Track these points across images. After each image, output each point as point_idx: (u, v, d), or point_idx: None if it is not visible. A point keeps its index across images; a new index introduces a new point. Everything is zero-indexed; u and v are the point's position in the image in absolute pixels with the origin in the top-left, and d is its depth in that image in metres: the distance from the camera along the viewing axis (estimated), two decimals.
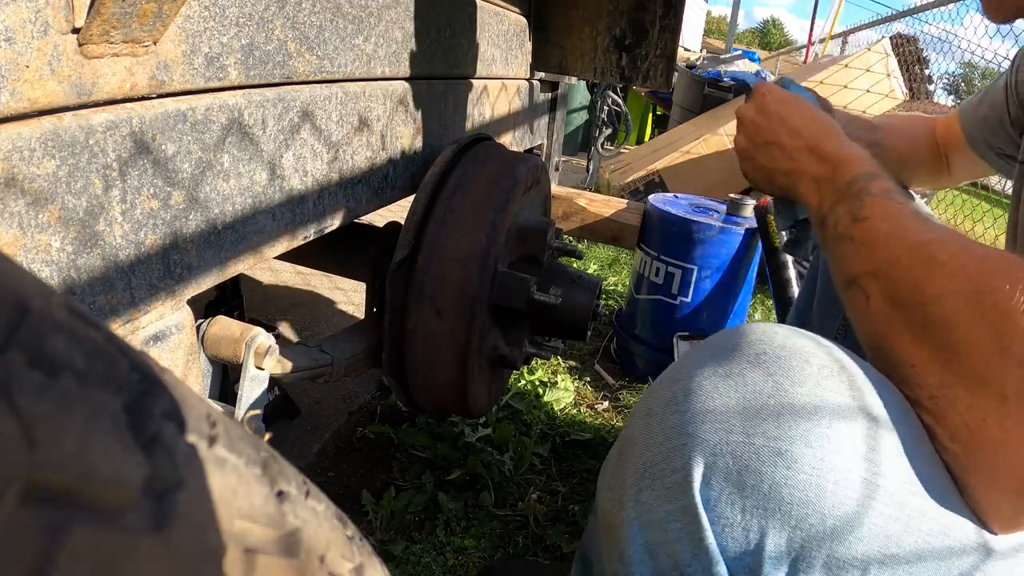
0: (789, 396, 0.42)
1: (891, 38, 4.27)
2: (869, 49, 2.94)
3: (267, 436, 0.66)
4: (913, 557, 0.42)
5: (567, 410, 1.36)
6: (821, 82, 2.86)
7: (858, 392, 0.44)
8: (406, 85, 0.81)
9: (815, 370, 0.44)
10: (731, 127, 2.84)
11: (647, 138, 4.85)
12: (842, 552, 0.41)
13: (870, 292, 0.49)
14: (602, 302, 1.02)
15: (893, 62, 2.89)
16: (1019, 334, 0.39)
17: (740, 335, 0.48)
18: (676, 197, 1.58)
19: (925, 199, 2.54)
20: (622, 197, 2.40)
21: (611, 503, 0.50)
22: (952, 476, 0.43)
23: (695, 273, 1.41)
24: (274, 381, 0.71)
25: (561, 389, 1.39)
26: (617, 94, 3.52)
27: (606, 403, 1.41)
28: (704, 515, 0.43)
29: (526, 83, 1.29)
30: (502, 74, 1.15)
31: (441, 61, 0.91)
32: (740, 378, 0.44)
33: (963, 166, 0.94)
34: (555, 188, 1.53)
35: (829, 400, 0.42)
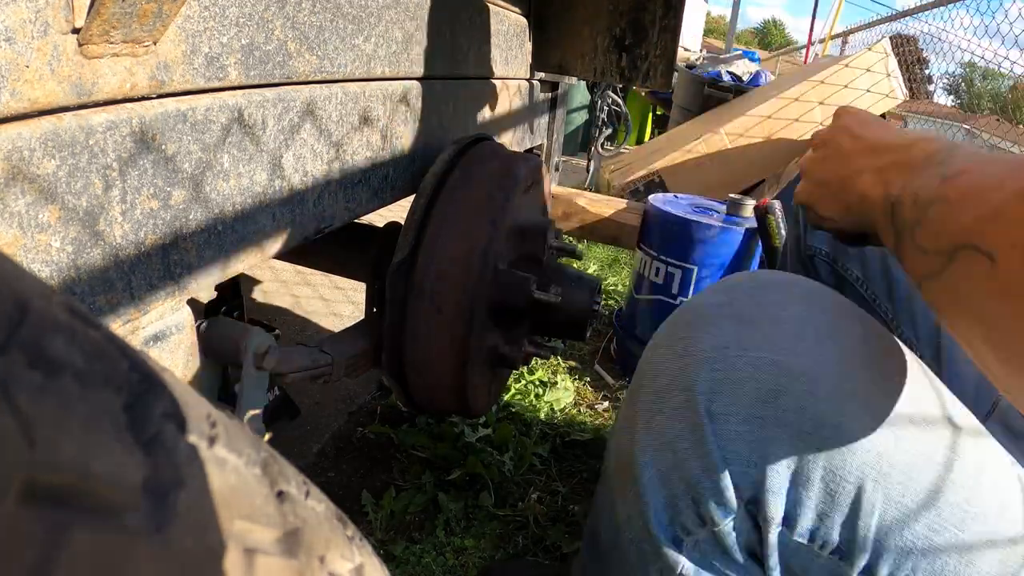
0: (776, 315, 0.46)
1: (891, 38, 4.28)
2: (870, 49, 2.94)
3: (267, 436, 0.66)
4: (906, 468, 0.44)
5: (567, 410, 1.36)
6: (822, 81, 2.86)
7: (840, 311, 0.48)
8: (406, 85, 0.81)
9: (798, 293, 0.48)
10: (731, 127, 2.84)
11: (647, 138, 4.85)
12: (837, 463, 0.44)
13: (993, 245, 0.35)
14: (602, 302, 1.02)
15: (893, 62, 2.89)
16: None
17: (729, 279, 0.52)
18: (676, 197, 1.58)
19: None
20: (622, 197, 2.40)
21: (624, 437, 0.53)
22: None
23: (695, 273, 1.41)
24: (274, 381, 0.70)
25: (561, 389, 1.39)
26: (617, 94, 3.52)
27: (606, 403, 1.41)
28: (709, 428, 0.46)
29: (526, 83, 1.29)
30: (502, 74, 1.15)
31: (441, 61, 0.91)
32: (731, 307, 0.48)
33: None
34: (555, 188, 1.53)
35: (815, 317, 0.46)
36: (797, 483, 0.45)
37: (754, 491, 0.46)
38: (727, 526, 0.48)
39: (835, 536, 0.46)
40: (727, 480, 0.46)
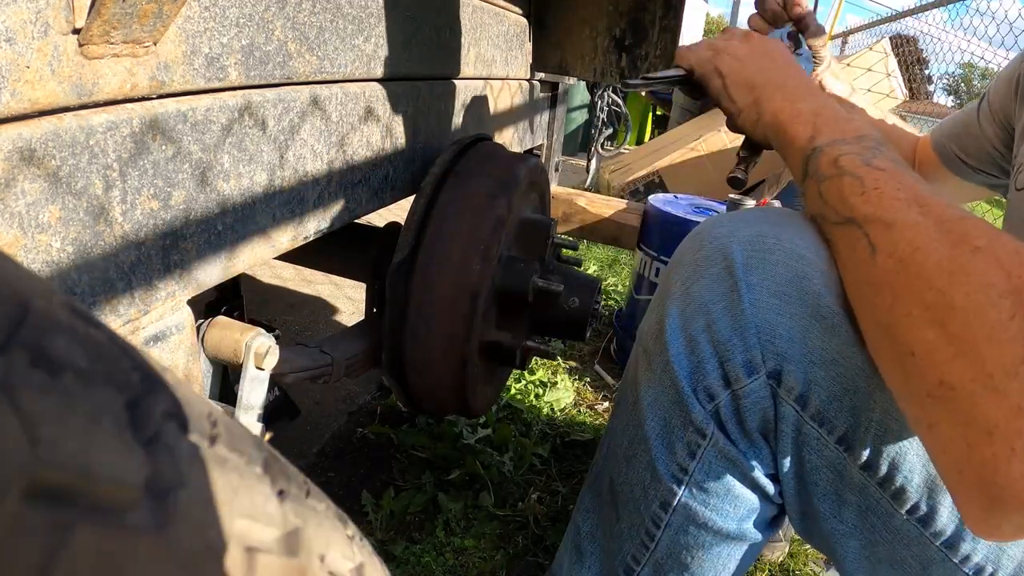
0: (800, 228, 0.54)
1: (891, 38, 4.27)
2: (871, 48, 2.94)
3: (267, 436, 0.66)
4: None
5: (567, 410, 1.36)
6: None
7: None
8: (406, 86, 0.81)
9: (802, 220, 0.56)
10: None
11: (647, 138, 4.85)
12: (845, 353, 0.49)
13: (878, 243, 0.45)
14: (602, 302, 1.02)
15: (893, 62, 2.89)
16: None
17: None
18: (676, 197, 1.58)
19: None
20: (622, 197, 2.40)
21: (654, 316, 0.59)
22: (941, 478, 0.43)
23: None
24: (274, 381, 0.70)
25: (561, 389, 1.39)
26: (617, 94, 3.52)
27: (606, 403, 1.41)
28: (745, 293, 0.52)
29: (526, 83, 1.29)
30: (502, 74, 1.15)
31: (441, 62, 0.91)
32: (763, 215, 0.57)
33: (944, 189, 0.89)
34: (555, 189, 1.53)
35: (817, 240, 0.53)
36: (812, 361, 0.50)
37: (776, 362, 0.51)
38: (748, 387, 0.52)
39: (841, 422, 0.51)
40: (755, 340, 0.51)
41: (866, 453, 0.50)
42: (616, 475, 0.63)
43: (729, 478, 0.56)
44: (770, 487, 0.57)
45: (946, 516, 0.50)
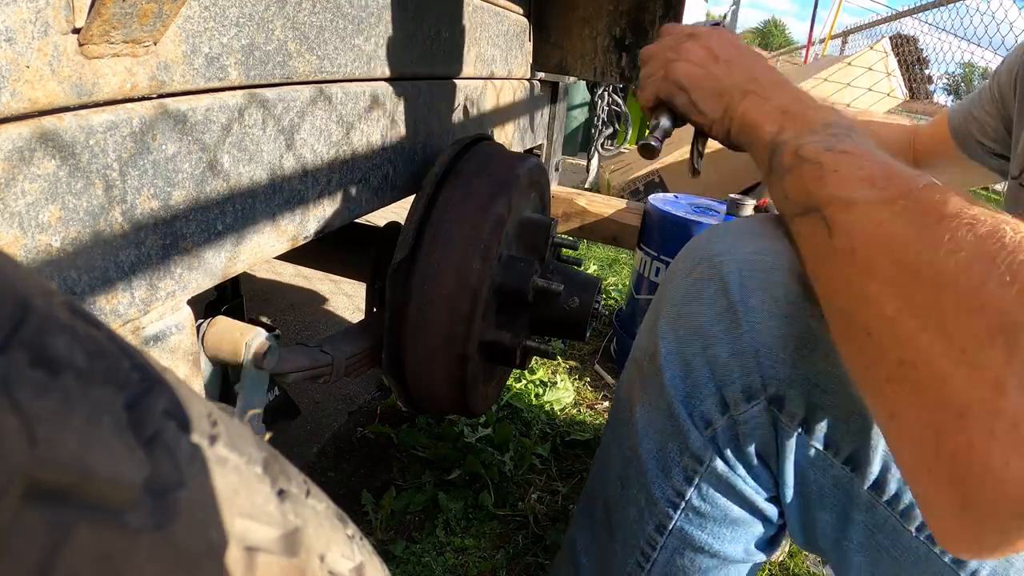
0: (779, 240, 0.51)
1: (891, 38, 4.27)
2: (871, 48, 2.94)
3: (267, 436, 0.66)
4: None
5: (567, 410, 1.36)
6: (824, 79, 2.87)
7: None
8: (406, 85, 0.81)
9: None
10: None
11: None
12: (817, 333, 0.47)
13: (834, 224, 0.42)
14: (602, 302, 1.02)
15: (893, 62, 2.89)
16: None
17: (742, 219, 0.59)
18: (676, 197, 1.58)
19: None
20: (622, 197, 2.40)
21: (647, 336, 0.57)
22: (904, 479, 0.39)
23: None
24: (274, 381, 0.71)
25: (561, 389, 1.39)
26: (617, 94, 3.52)
27: (606, 403, 1.41)
28: (744, 317, 0.49)
29: (526, 83, 1.29)
30: (502, 74, 1.15)
31: (442, 61, 0.91)
32: (761, 226, 0.54)
33: (952, 174, 0.89)
34: (555, 188, 1.53)
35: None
36: (816, 384, 0.47)
37: (778, 388, 0.48)
38: (747, 414, 0.49)
39: (848, 443, 0.48)
40: (754, 364, 0.48)
41: (875, 472, 0.47)
42: (610, 496, 0.61)
43: (727, 503, 0.54)
44: (770, 510, 0.54)
45: None
